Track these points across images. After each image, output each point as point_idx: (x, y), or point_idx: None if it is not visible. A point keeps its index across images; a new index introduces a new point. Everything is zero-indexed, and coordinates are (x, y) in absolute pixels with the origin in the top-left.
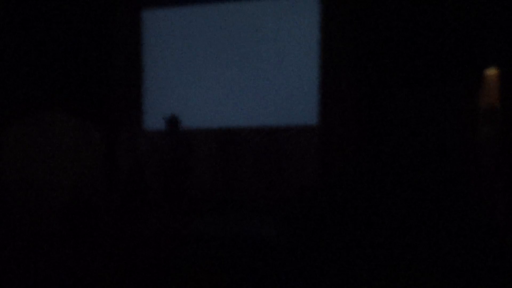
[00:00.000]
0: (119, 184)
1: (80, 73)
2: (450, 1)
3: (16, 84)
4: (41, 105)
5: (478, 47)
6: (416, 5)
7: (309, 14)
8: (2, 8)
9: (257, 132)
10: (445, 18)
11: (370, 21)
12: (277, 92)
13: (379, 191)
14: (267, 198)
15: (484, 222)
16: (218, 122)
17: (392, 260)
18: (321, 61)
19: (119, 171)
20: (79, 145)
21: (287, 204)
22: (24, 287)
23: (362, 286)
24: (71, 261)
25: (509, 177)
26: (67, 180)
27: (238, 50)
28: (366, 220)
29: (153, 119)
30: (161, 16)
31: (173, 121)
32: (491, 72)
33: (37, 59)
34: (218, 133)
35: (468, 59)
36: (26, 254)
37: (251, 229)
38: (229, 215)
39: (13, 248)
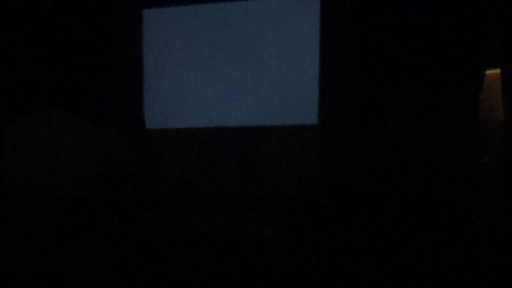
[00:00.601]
0: (118, 183)
1: (80, 72)
2: (451, 1)
3: (16, 83)
4: (40, 104)
5: (479, 47)
6: (417, 5)
7: (310, 14)
8: (1, 7)
9: (257, 131)
10: (446, 18)
11: (370, 21)
12: (277, 91)
13: (378, 191)
14: (266, 197)
15: (483, 222)
16: (218, 122)
17: (391, 259)
18: (322, 61)
19: (119, 171)
20: (79, 144)
21: (285, 203)
22: (23, 287)
23: (361, 286)
24: (69, 260)
25: (510, 177)
26: (66, 179)
27: (238, 50)
28: (365, 219)
29: (153, 118)
30: (162, 15)
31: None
32: (492, 73)
33: (37, 58)
34: (217, 133)
35: (469, 60)
36: (25, 253)
37: (248, 228)
38: (226, 214)
39: (12, 247)
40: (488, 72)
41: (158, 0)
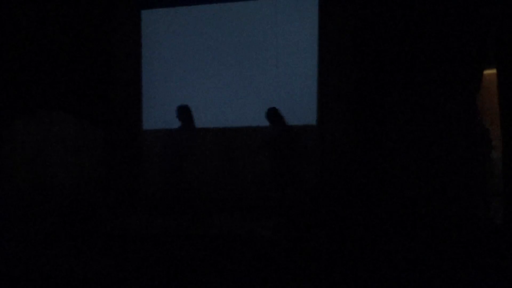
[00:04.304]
0: (119, 183)
1: (78, 73)
2: (449, 1)
3: (15, 83)
4: (39, 105)
5: (478, 47)
6: (415, 6)
7: (309, 16)
8: (1, 7)
9: (256, 131)
10: (444, 19)
11: (369, 23)
12: (276, 92)
13: (376, 191)
14: (265, 197)
15: (483, 223)
16: (216, 122)
17: (391, 259)
18: (320, 62)
19: (119, 170)
20: (79, 144)
21: (284, 203)
22: (23, 287)
23: (361, 286)
24: (70, 259)
25: (509, 177)
26: (67, 179)
27: (237, 51)
28: (364, 219)
29: (152, 119)
30: (161, 16)
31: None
32: (490, 73)
33: (36, 59)
34: (216, 133)
35: (467, 60)
36: (26, 252)
37: (247, 228)
38: (224, 215)
39: (12, 246)
40: (486, 72)
41: (156, 1)
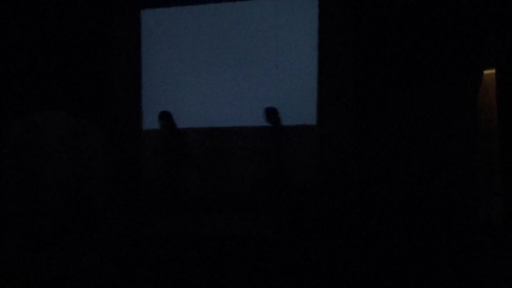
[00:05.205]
0: (118, 183)
1: (78, 72)
2: (448, 2)
3: (15, 83)
4: (40, 105)
5: (478, 48)
6: (415, 6)
7: (309, 16)
8: (2, 7)
9: (255, 131)
10: (443, 19)
11: (368, 24)
12: (276, 92)
13: (375, 190)
14: (265, 197)
15: (482, 222)
16: (216, 122)
17: (391, 258)
18: (320, 62)
19: (118, 170)
20: (79, 144)
21: (284, 203)
22: (22, 286)
23: (361, 285)
24: (69, 259)
25: (508, 176)
26: (66, 179)
27: (237, 50)
28: (363, 218)
29: (151, 119)
30: (160, 15)
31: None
32: (490, 73)
33: (36, 59)
34: (215, 133)
35: (466, 60)
36: (25, 252)
37: (247, 228)
38: (225, 214)
39: (12, 247)
40: (486, 72)
41: (156, 1)
